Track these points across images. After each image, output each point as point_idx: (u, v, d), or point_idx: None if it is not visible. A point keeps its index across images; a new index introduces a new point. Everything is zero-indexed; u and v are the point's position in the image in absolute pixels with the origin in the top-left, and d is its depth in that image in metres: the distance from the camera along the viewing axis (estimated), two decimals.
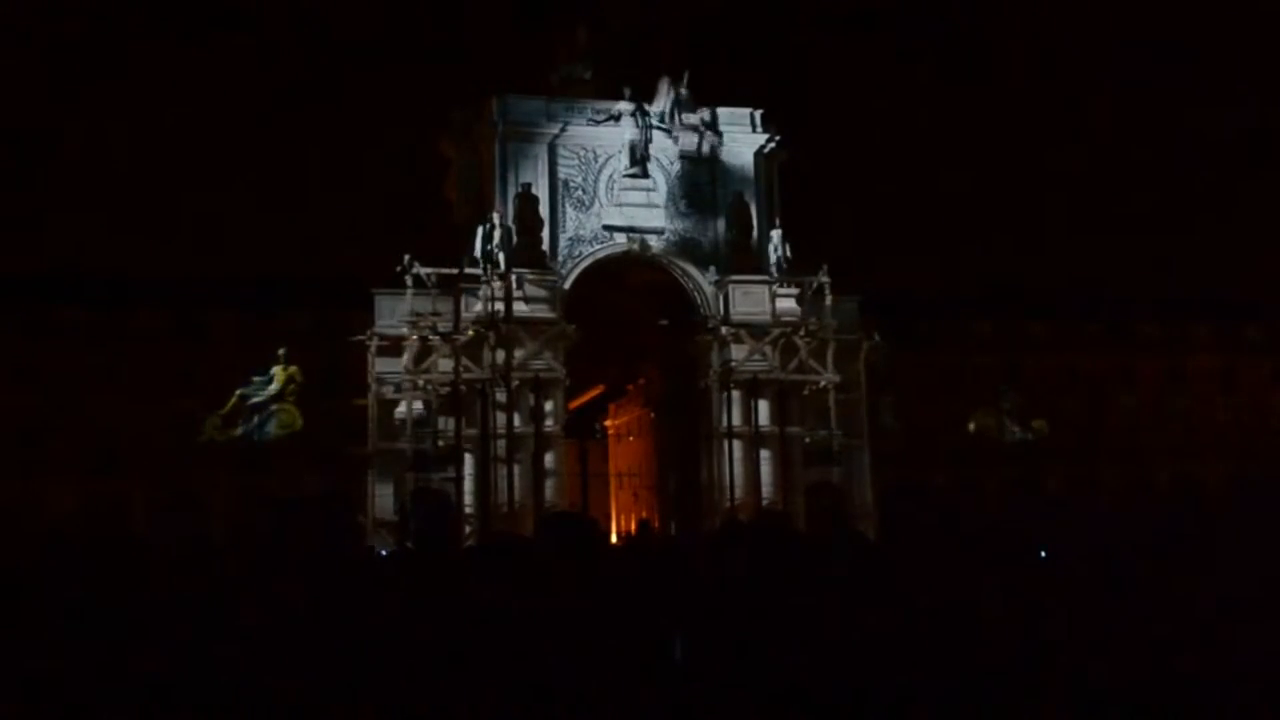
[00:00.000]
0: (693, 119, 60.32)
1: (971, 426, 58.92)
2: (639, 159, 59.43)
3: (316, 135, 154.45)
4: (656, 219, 59.67)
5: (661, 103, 59.97)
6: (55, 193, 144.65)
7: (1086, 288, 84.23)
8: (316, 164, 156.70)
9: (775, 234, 60.58)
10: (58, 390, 59.82)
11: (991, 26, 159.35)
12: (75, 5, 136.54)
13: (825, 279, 59.51)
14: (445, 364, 56.52)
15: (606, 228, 58.94)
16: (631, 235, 59.05)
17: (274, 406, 51.05)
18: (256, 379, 50.69)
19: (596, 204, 59.18)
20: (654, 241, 59.49)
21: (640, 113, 59.66)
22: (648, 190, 59.61)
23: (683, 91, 60.05)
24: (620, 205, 59.21)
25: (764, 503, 56.34)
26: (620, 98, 59.68)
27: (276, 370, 51.51)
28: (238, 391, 50.37)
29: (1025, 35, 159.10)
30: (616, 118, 59.53)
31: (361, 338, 56.46)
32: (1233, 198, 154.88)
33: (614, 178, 59.36)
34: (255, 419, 50.69)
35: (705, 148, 60.24)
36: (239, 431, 50.52)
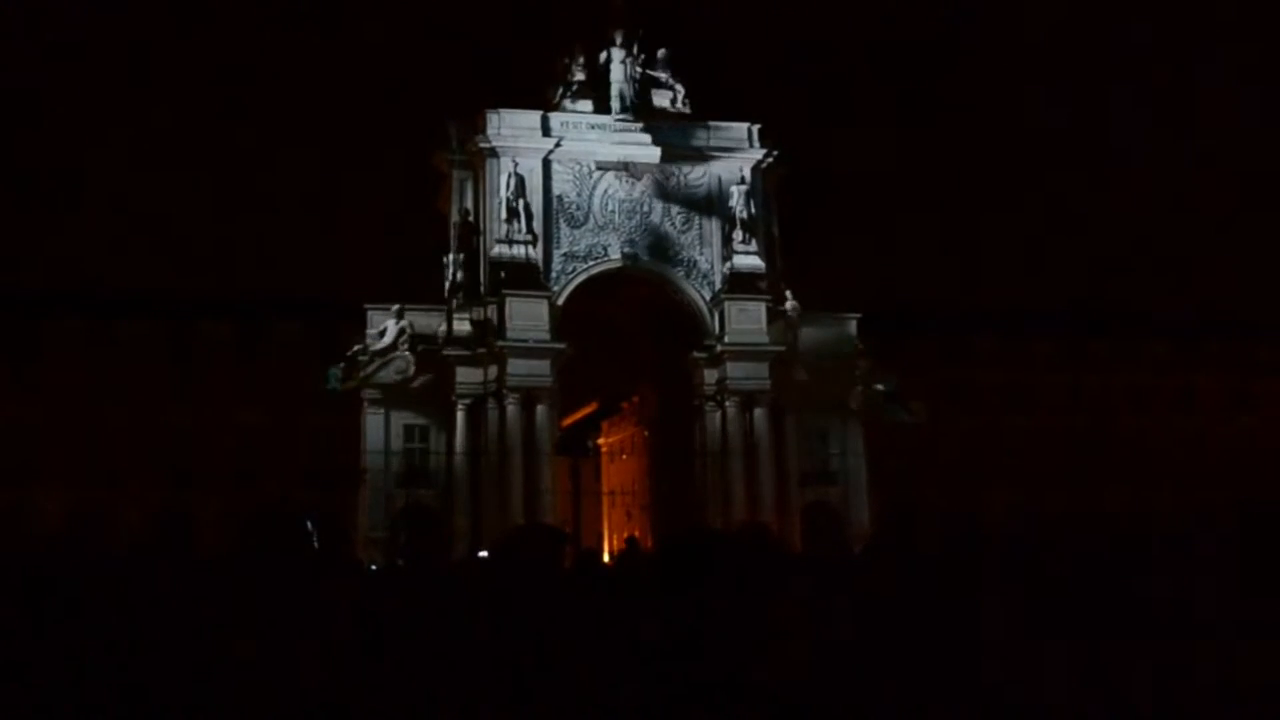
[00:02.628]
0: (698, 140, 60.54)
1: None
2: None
3: (313, 146, 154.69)
4: (651, 233, 59.42)
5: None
6: (50, 206, 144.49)
7: (1092, 305, 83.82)
8: (311, 176, 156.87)
9: (772, 250, 60.36)
10: (49, 401, 59.41)
11: (994, 37, 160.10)
12: (78, 16, 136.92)
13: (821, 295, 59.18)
14: (438, 380, 56.30)
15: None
16: (626, 251, 58.73)
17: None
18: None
19: (591, 220, 58.89)
20: (649, 257, 59.15)
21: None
22: (645, 203, 59.42)
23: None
24: (613, 219, 59.03)
25: (759, 519, 55.67)
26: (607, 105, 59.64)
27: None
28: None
29: (1027, 47, 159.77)
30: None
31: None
32: (1243, 215, 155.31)
33: (609, 191, 59.16)
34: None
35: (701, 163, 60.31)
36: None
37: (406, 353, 55.25)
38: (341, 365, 54.85)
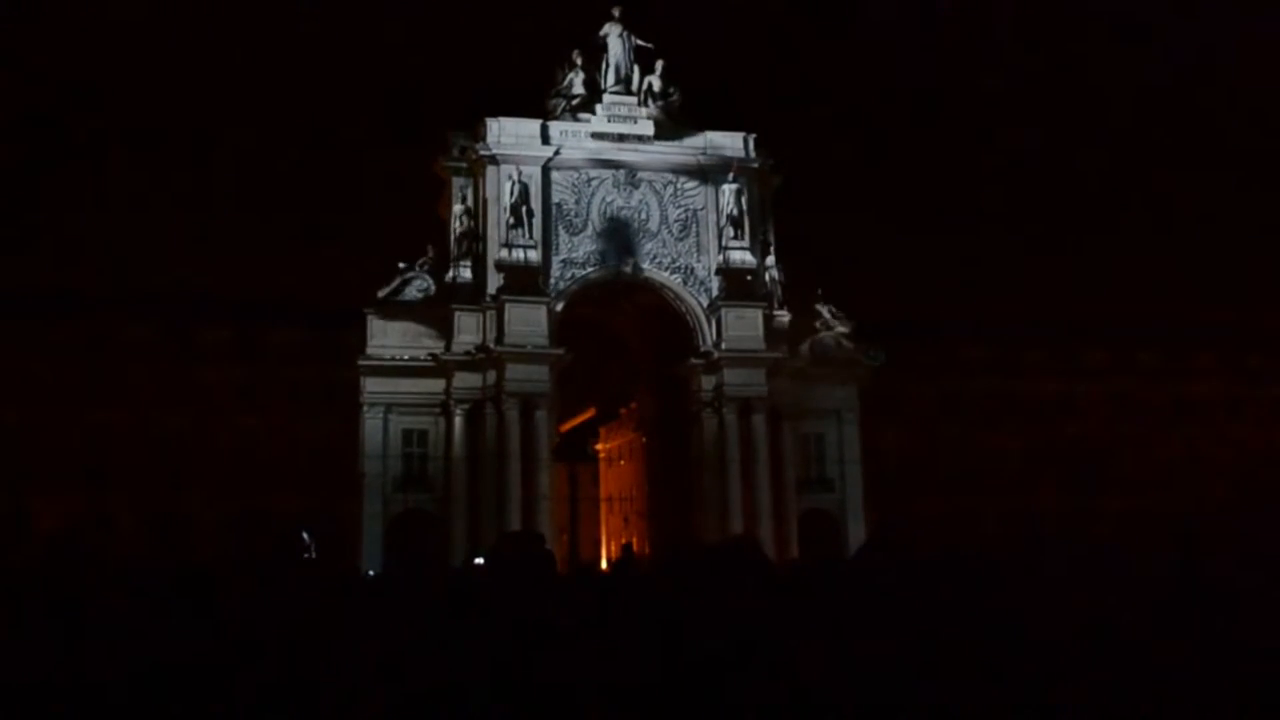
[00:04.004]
0: (693, 142, 60.97)
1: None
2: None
3: (313, 152, 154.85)
4: (649, 240, 59.71)
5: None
6: (49, 207, 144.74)
7: (1087, 314, 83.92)
8: (313, 183, 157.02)
9: (769, 258, 60.68)
10: (48, 404, 59.42)
11: (992, 49, 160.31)
12: (79, 21, 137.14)
13: (819, 304, 59.43)
14: (436, 385, 56.53)
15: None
16: (624, 258, 59.01)
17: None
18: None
19: (589, 227, 59.16)
20: (646, 264, 59.42)
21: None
22: (642, 217, 59.74)
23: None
24: (611, 226, 59.34)
25: (758, 529, 55.73)
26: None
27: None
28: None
29: (1025, 56, 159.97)
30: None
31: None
32: (1238, 224, 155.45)
33: (607, 199, 59.48)
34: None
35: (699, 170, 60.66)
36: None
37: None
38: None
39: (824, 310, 61.77)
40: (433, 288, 57.99)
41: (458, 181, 59.88)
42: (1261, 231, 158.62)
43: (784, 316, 59.95)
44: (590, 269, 58.88)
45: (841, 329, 60.95)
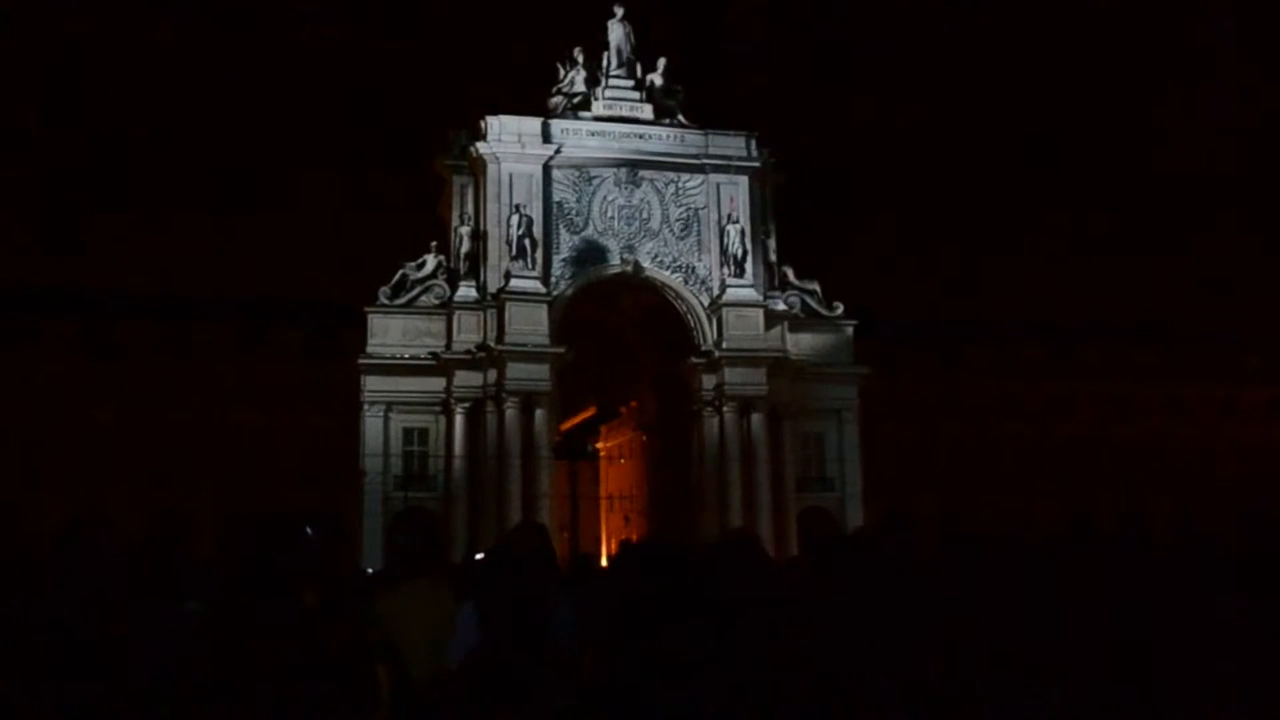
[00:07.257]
0: (693, 140, 61.10)
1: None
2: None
3: (313, 151, 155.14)
4: (650, 239, 59.78)
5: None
6: (50, 205, 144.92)
7: (1083, 314, 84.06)
8: (313, 182, 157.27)
9: (771, 257, 60.74)
10: (47, 402, 59.44)
11: (991, 45, 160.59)
12: (80, 19, 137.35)
13: (819, 302, 59.54)
14: (437, 384, 56.62)
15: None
16: (625, 256, 59.08)
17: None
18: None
19: (590, 225, 59.23)
20: (647, 263, 59.48)
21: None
22: (643, 217, 59.79)
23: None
24: (613, 225, 59.44)
25: (757, 526, 55.81)
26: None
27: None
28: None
29: (1020, 62, 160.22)
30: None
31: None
32: (1235, 225, 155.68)
33: (608, 198, 59.55)
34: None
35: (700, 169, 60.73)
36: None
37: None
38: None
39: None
40: (434, 287, 57.92)
41: (458, 180, 59.93)
42: (1261, 231, 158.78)
43: (785, 317, 60.01)
44: (591, 267, 58.95)
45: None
